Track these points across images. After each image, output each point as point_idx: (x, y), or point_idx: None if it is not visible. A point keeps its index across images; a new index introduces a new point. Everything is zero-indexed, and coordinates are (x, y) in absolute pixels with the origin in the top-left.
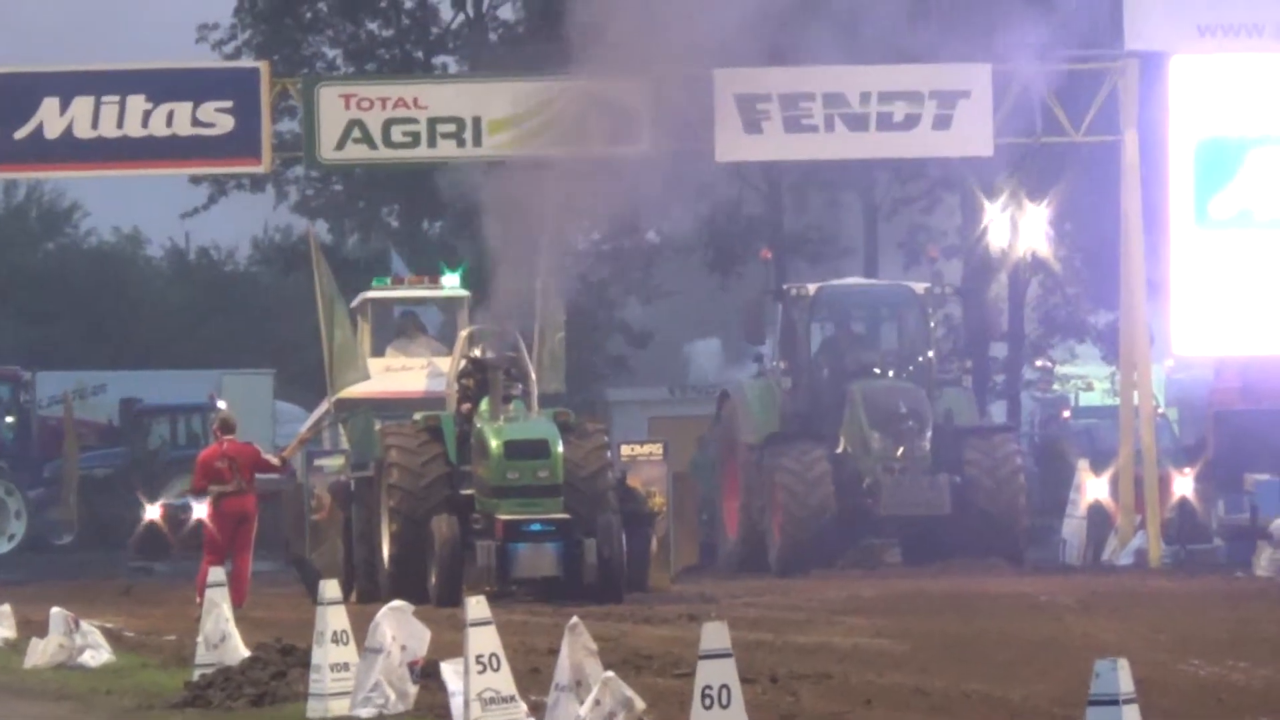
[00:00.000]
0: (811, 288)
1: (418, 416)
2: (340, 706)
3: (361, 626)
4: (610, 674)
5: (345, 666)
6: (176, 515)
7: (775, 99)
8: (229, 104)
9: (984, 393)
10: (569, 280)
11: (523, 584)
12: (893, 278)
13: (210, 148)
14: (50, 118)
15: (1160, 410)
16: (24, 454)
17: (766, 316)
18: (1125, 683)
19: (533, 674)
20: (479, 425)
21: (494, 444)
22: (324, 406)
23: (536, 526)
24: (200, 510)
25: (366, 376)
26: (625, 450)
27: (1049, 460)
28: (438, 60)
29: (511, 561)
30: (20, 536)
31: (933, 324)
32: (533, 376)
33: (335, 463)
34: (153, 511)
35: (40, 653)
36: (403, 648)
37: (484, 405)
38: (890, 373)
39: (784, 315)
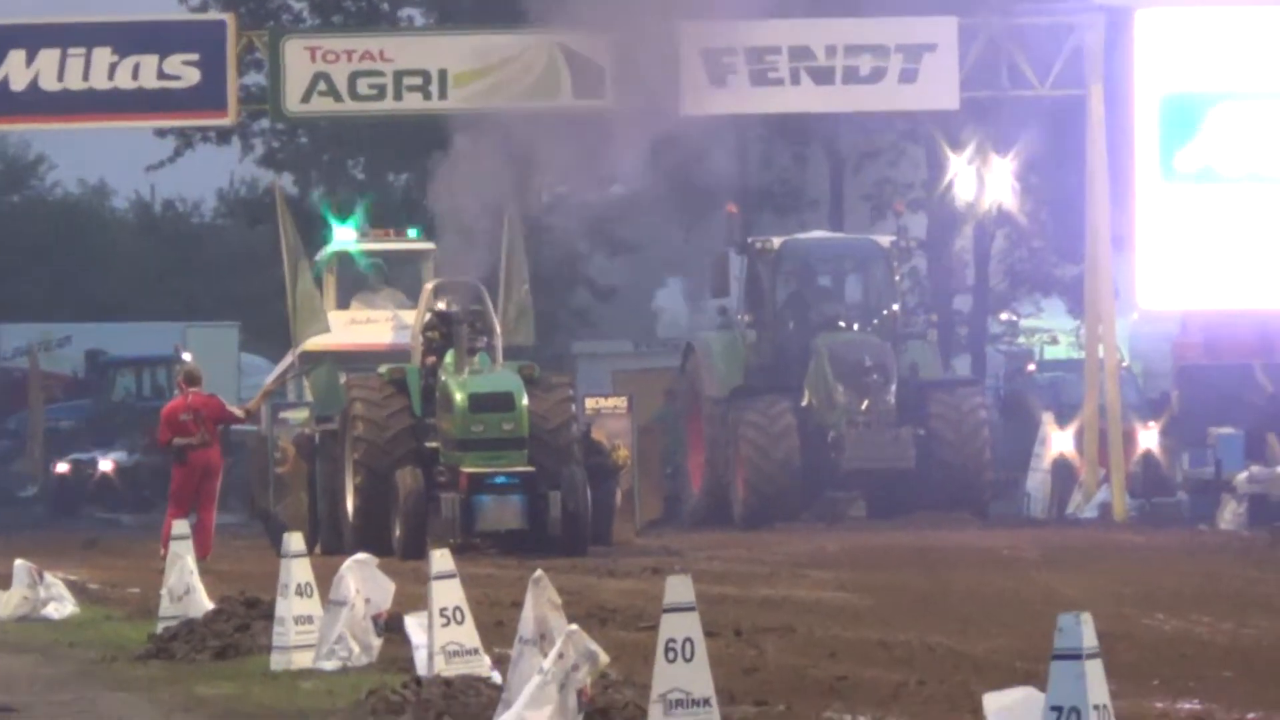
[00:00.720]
0: (776, 241)
1: (382, 369)
2: (304, 659)
3: (325, 579)
4: (574, 627)
5: (309, 619)
6: (84, 470)
7: (741, 52)
8: (195, 57)
9: (949, 346)
10: (535, 233)
11: (487, 537)
12: (858, 231)
13: (176, 100)
14: (16, 70)
15: (1125, 364)
16: None
17: (732, 270)
18: (1089, 637)
19: (497, 627)
20: (444, 378)
21: (459, 397)
22: (289, 359)
23: (501, 479)
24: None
25: (327, 328)
26: (590, 403)
27: (1014, 414)
28: (404, 13)
29: (476, 514)
30: None
31: (898, 277)
32: (498, 329)
33: (300, 415)
34: (61, 466)
35: (4, 605)
36: (367, 601)
37: (449, 358)
38: (855, 326)
39: (749, 269)
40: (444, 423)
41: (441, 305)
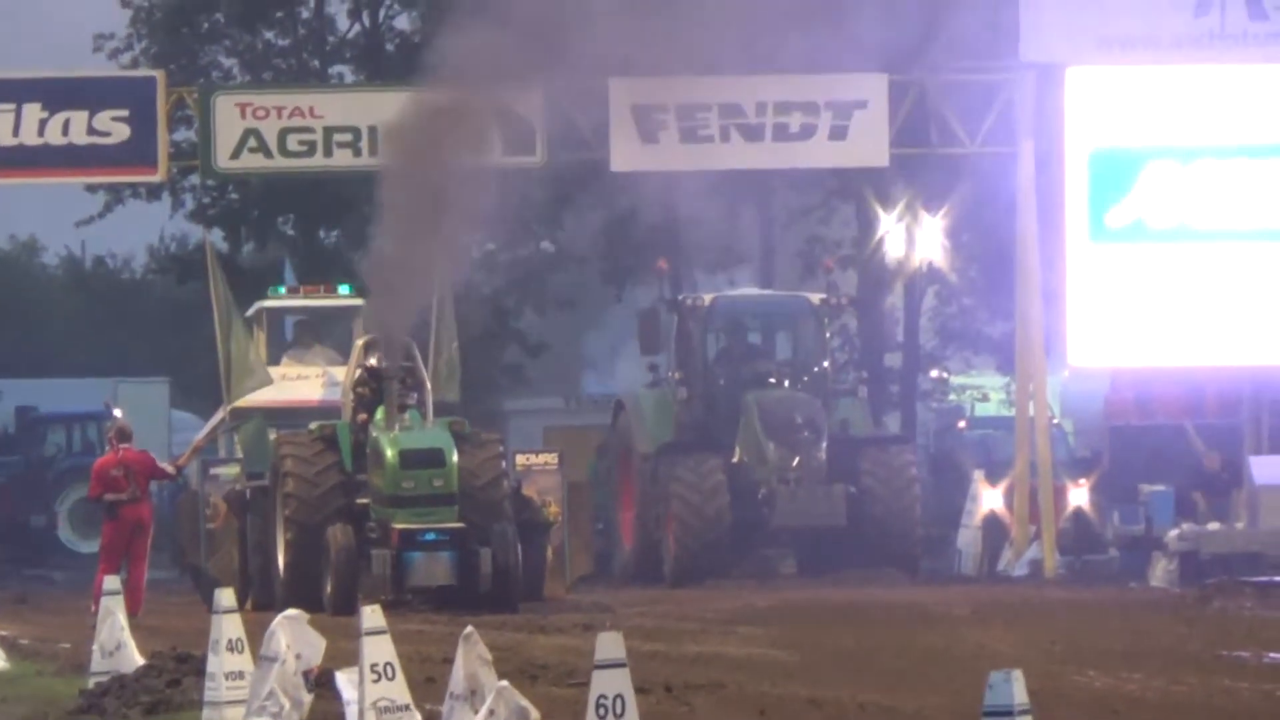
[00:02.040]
0: (707, 298)
1: (313, 425)
2: (235, 715)
3: (256, 635)
4: (505, 683)
5: (240, 675)
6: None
7: (672, 109)
8: (125, 113)
9: (880, 403)
10: (464, 290)
11: (418, 593)
12: (789, 288)
13: (106, 156)
14: None
15: (1056, 421)
16: None
17: (662, 326)
18: (1020, 694)
19: (428, 683)
20: (374, 434)
21: (389, 453)
22: (219, 415)
23: (431, 535)
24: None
25: (269, 380)
26: (520, 459)
27: (944, 470)
28: (334, 70)
29: (407, 570)
30: None
31: (828, 334)
32: (428, 385)
33: (231, 471)
34: None
35: None
36: (298, 656)
37: (379, 414)
38: (786, 383)
39: (680, 325)
40: (375, 479)
41: (372, 361)
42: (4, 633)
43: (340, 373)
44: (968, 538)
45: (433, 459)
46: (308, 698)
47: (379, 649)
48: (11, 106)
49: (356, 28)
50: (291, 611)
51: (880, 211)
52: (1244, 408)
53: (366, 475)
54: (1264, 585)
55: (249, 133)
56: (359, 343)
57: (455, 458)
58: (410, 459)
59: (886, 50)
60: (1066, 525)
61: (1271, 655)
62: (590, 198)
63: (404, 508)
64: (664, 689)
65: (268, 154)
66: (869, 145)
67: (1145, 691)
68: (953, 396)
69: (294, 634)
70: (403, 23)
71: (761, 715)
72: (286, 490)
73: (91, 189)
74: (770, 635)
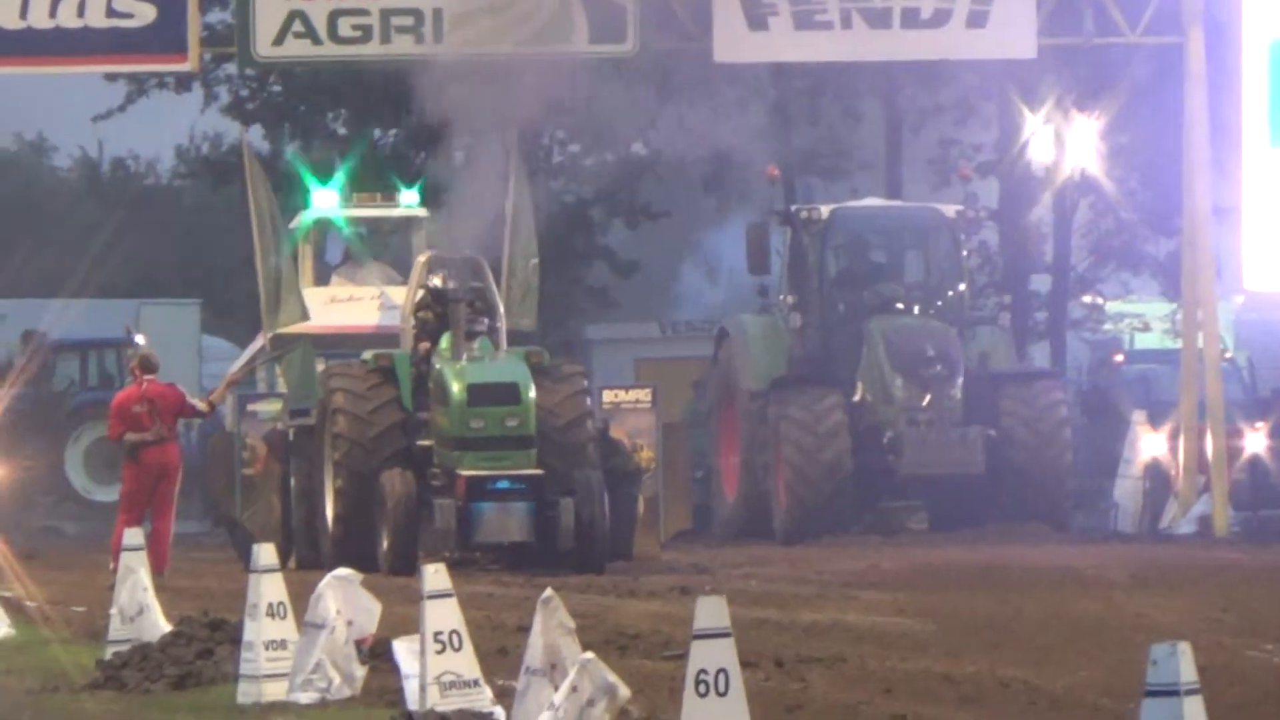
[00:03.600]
0: (825, 210)
1: (367, 355)
2: (276, 690)
3: (301, 598)
4: (589, 655)
5: (282, 644)
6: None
7: None
8: None
9: (1024, 333)
10: (544, 200)
11: (488, 550)
12: (919, 199)
13: (128, 42)
14: None
15: (1228, 355)
16: None
17: (773, 244)
18: (1187, 670)
19: (499, 655)
20: (438, 366)
21: (455, 388)
22: (258, 343)
23: (504, 484)
24: None
25: (305, 317)
26: (608, 396)
27: (1099, 412)
28: None
29: (475, 524)
30: None
31: (965, 252)
32: (501, 310)
33: (271, 408)
34: None
35: None
36: (349, 623)
37: (444, 343)
38: (916, 309)
39: (793, 242)
40: (439, 417)
41: (436, 282)
42: (8, 594)
43: (398, 294)
44: (1126, 489)
45: (506, 395)
46: (360, 671)
47: (443, 615)
48: None
49: None
50: (341, 571)
51: (1025, 111)
52: None
53: (428, 414)
54: None
55: (294, 15)
56: (421, 260)
57: (532, 393)
58: (480, 394)
59: None
60: (1240, 476)
61: None
62: (690, 93)
63: (472, 451)
64: (774, 663)
65: (315, 40)
66: (1013, 34)
67: None
68: (1108, 326)
69: (344, 597)
70: None
71: (888, 693)
72: (337, 430)
73: (110, 79)
74: (897, 601)
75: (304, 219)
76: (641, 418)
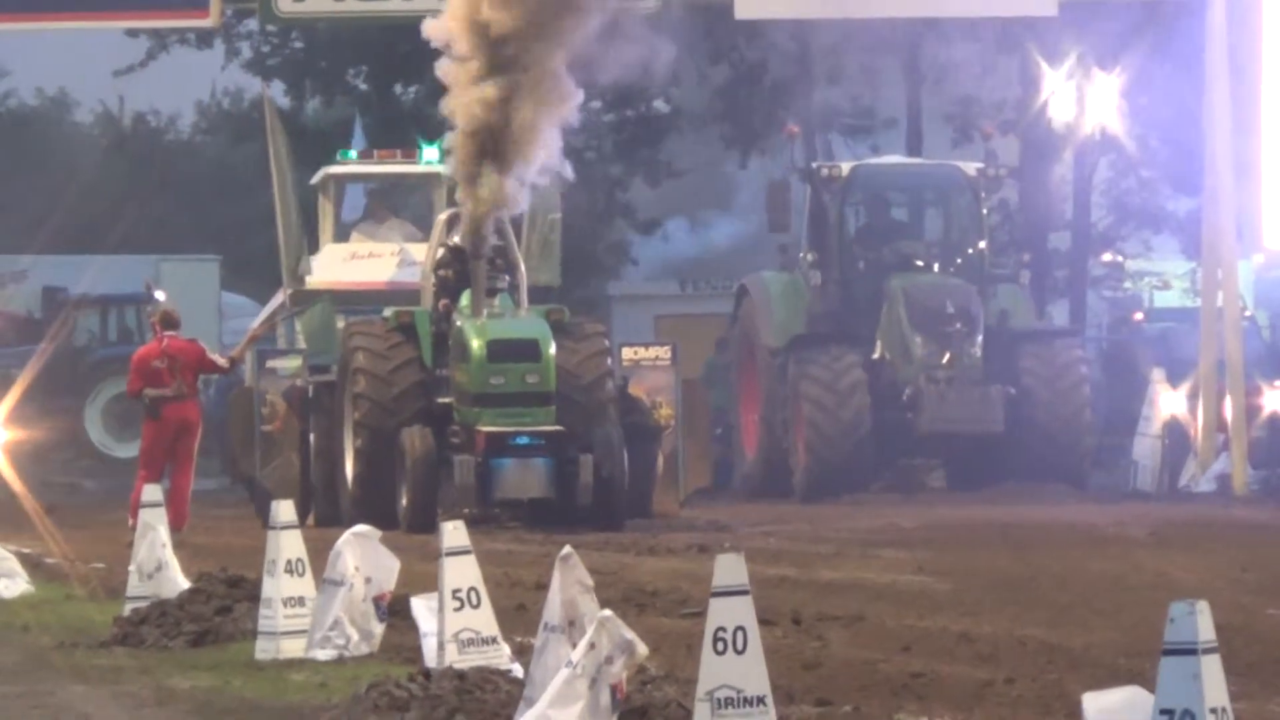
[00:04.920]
0: (845, 167)
1: (388, 313)
2: (294, 647)
3: (320, 555)
4: (608, 613)
5: (300, 601)
6: None
7: None
8: None
9: (1044, 291)
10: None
11: (507, 506)
12: (940, 156)
13: None
14: None
15: (1248, 313)
16: None
17: (793, 201)
18: (1206, 629)
19: (518, 611)
20: (459, 323)
21: (476, 344)
22: (279, 298)
23: (524, 440)
24: None
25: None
26: (628, 353)
27: (1119, 370)
28: None
29: (495, 480)
30: None
31: (985, 210)
32: (522, 268)
33: (291, 364)
34: None
35: None
36: (367, 580)
37: (464, 300)
38: (936, 266)
39: (813, 199)
40: (459, 374)
41: (456, 239)
42: (27, 550)
43: (418, 251)
44: (1145, 448)
45: (526, 351)
46: (379, 628)
47: (462, 572)
48: None
49: None
50: (360, 528)
51: (1046, 68)
52: None
53: (449, 371)
54: None
55: None
56: (441, 217)
57: (552, 350)
58: (500, 350)
59: None
60: (1260, 434)
61: None
62: (711, 49)
63: (492, 407)
64: (792, 621)
65: None
66: None
67: None
68: (1128, 284)
69: (363, 554)
70: None
71: (906, 651)
72: (357, 389)
73: (132, 34)
74: (916, 559)
75: (323, 174)
76: (661, 375)
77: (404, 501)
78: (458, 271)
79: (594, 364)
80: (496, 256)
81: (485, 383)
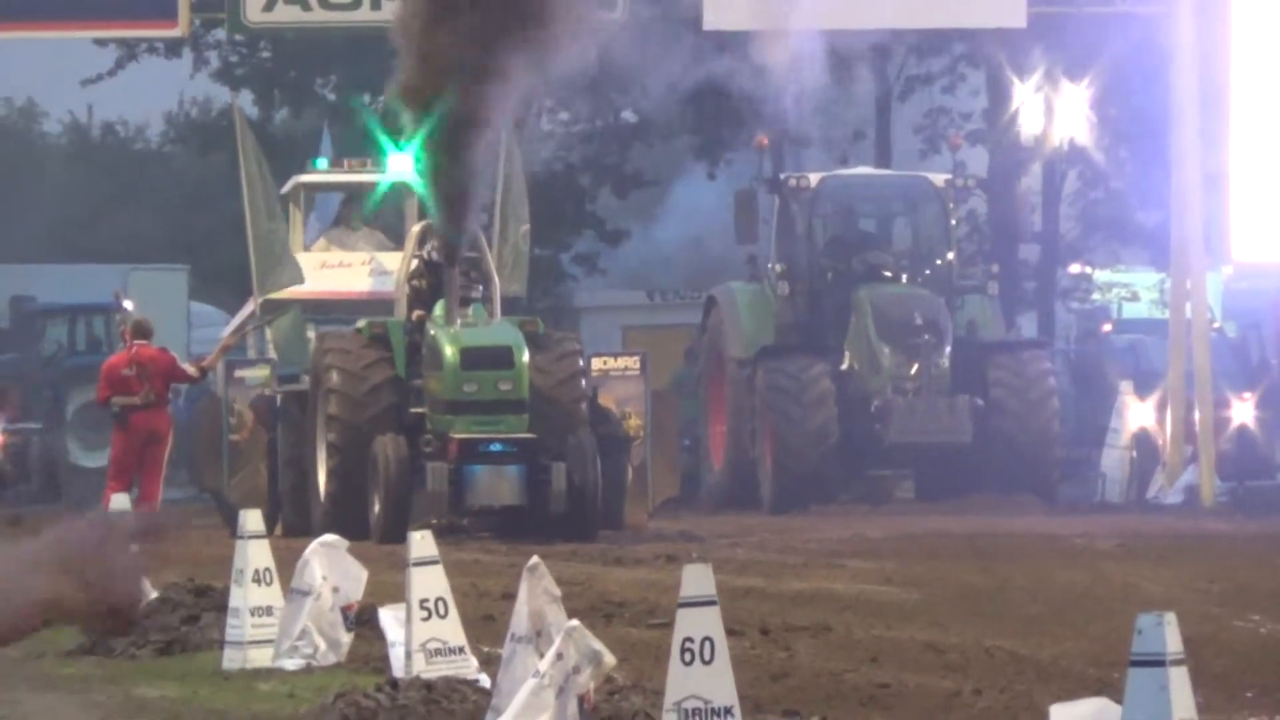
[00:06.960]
0: (814, 178)
1: (361, 324)
2: (262, 657)
3: (287, 564)
4: (575, 623)
5: (268, 611)
6: None
7: None
8: None
9: (1012, 302)
10: (533, 167)
11: (480, 515)
12: (908, 168)
13: (118, 6)
14: None
15: (1216, 325)
16: None
17: (761, 212)
18: (1173, 640)
19: (486, 622)
20: (432, 332)
21: (449, 351)
22: (249, 308)
23: (497, 446)
24: None
25: (300, 279)
26: (597, 363)
27: (1087, 381)
28: None
29: (467, 486)
30: None
31: (954, 221)
32: (496, 279)
33: (259, 374)
34: None
35: None
36: (335, 590)
37: (438, 309)
38: (904, 277)
39: (781, 210)
40: (432, 382)
41: (430, 251)
42: None
43: (389, 260)
44: (1113, 459)
45: (499, 358)
46: (346, 638)
47: (430, 582)
48: None
49: None
50: (328, 537)
51: (1015, 80)
52: None
53: (422, 380)
54: None
55: None
56: (414, 229)
57: (525, 357)
58: (473, 358)
59: None
60: (1228, 446)
61: None
62: (679, 60)
63: (465, 414)
64: (760, 631)
65: (305, 6)
66: (1003, 3)
67: None
68: (1097, 295)
69: (331, 564)
70: None
71: (874, 662)
72: (331, 412)
73: (100, 44)
74: (884, 570)
75: (293, 183)
76: (630, 385)
77: (377, 509)
78: (431, 284)
79: (565, 369)
80: (471, 268)
81: (459, 390)
